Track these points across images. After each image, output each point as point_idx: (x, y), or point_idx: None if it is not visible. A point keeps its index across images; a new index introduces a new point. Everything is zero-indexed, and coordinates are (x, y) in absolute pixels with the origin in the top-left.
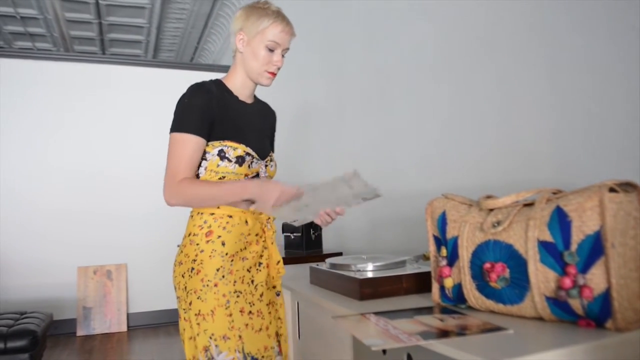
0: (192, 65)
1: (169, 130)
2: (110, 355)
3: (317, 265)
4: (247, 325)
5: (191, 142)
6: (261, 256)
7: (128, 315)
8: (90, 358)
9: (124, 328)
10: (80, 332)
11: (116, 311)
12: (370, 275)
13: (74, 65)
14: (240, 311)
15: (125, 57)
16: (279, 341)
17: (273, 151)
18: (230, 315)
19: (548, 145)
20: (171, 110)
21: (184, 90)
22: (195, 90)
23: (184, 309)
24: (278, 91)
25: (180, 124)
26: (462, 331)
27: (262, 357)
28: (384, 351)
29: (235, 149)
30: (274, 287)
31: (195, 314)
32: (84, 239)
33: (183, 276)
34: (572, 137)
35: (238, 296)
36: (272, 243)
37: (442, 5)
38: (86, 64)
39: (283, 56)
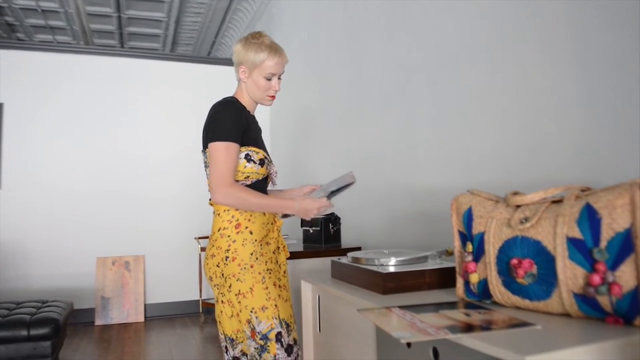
0: (209, 59)
1: (210, 140)
2: (128, 345)
3: (339, 259)
4: (279, 296)
5: (234, 148)
6: (277, 241)
7: (145, 306)
8: (108, 347)
9: (141, 318)
10: (98, 322)
11: (134, 302)
12: (393, 269)
13: (93, 58)
14: (274, 285)
15: (144, 50)
16: None
17: None
18: (267, 288)
19: (573, 142)
20: (188, 103)
21: (201, 83)
22: (228, 105)
23: (221, 293)
24: (298, 88)
25: (224, 134)
26: (488, 326)
27: (290, 322)
28: (409, 345)
29: (257, 153)
30: None
31: (236, 294)
32: (104, 231)
33: (218, 265)
34: (597, 134)
35: (270, 273)
36: (280, 230)
37: None
38: (105, 57)
39: (280, 78)
